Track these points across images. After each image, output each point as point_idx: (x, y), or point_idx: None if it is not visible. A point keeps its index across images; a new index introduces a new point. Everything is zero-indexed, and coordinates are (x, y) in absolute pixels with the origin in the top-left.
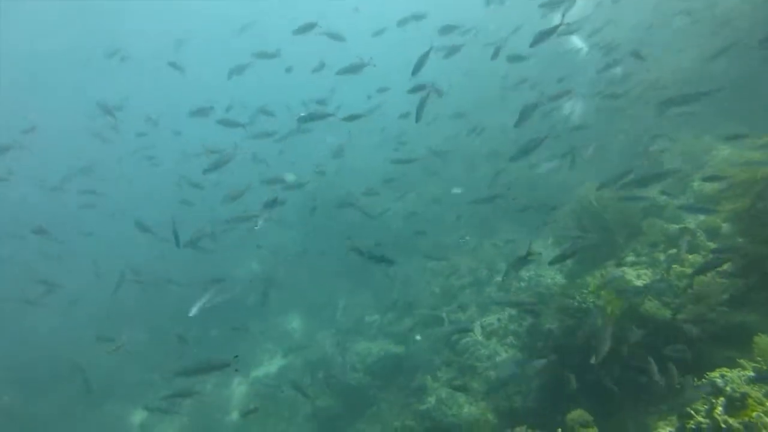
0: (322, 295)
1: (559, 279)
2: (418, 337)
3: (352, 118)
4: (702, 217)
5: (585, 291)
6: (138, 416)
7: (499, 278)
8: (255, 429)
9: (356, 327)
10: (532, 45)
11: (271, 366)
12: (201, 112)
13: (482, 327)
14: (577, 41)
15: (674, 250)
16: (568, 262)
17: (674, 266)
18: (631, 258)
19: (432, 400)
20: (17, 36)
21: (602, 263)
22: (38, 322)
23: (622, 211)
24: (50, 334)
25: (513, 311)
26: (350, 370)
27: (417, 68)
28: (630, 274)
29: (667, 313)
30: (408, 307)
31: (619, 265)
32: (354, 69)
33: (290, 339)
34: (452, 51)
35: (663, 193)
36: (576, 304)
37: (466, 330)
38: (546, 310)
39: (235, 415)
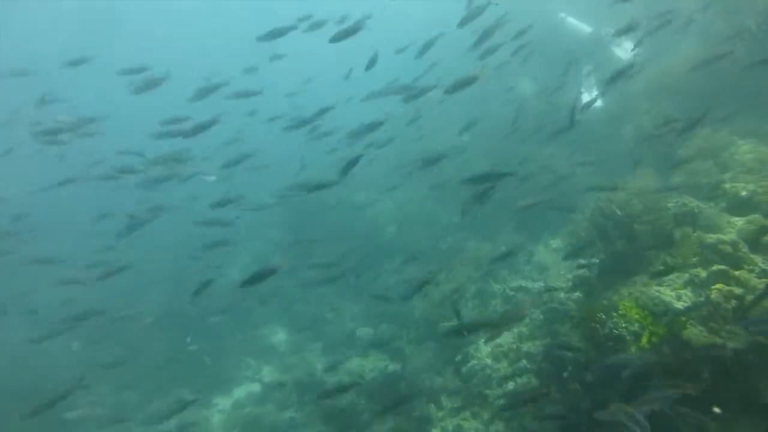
0: (308, 305)
1: (575, 294)
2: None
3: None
4: (741, 225)
5: (614, 314)
6: None
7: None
8: None
9: (347, 340)
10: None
11: (253, 386)
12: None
13: (491, 347)
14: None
15: (719, 266)
16: (587, 274)
17: (719, 285)
18: (665, 274)
19: None
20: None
21: (628, 279)
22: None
23: (652, 219)
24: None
25: (524, 329)
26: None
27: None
28: (667, 293)
29: (717, 342)
30: (403, 319)
31: (652, 281)
32: None
33: (275, 354)
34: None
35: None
36: (606, 330)
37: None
38: (560, 329)
39: None
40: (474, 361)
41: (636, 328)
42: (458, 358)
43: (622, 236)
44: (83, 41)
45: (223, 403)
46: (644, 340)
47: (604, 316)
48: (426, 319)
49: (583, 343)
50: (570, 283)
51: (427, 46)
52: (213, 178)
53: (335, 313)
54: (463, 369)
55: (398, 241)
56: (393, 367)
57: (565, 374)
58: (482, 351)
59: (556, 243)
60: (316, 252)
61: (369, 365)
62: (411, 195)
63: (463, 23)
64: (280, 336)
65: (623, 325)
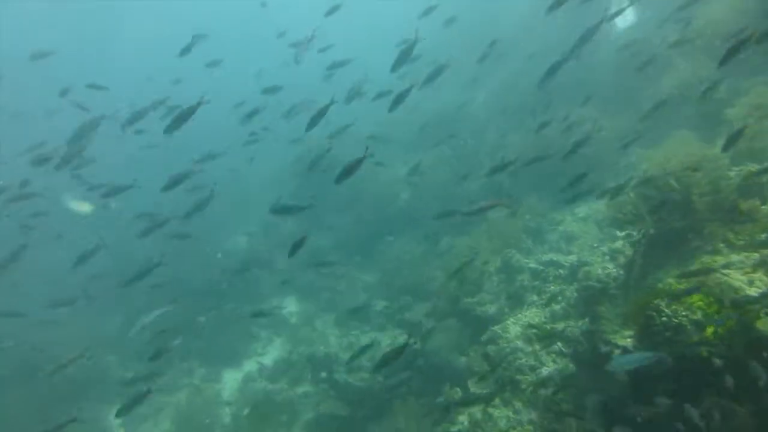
0: (320, 275)
1: (614, 271)
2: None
3: None
4: None
5: (670, 300)
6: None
7: (532, 263)
8: None
9: (361, 313)
10: None
11: (265, 358)
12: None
13: (521, 327)
14: None
15: None
16: (631, 253)
17: None
18: (729, 253)
19: (464, 420)
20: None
21: (683, 258)
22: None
23: (711, 190)
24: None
25: (557, 307)
26: (357, 369)
27: None
28: (736, 278)
29: None
30: (421, 293)
31: (715, 263)
32: None
33: (286, 326)
34: None
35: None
36: (663, 319)
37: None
38: (599, 310)
39: (226, 418)
40: (503, 343)
41: (699, 317)
42: (484, 337)
43: (675, 209)
44: None
45: (234, 377)
46: (709, 331)
47: (661, 303)
48: (446, 293)
49: (634, 331)
50: (607, 258)
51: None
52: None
53: (348, 284)
54: (491, 351)
55: (411, 209)
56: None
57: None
58: (511, 331)
59: (582, 212)
60: (327, 219)
61: (386, 340)
62: (425, 160)
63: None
64: (290, 307)
65: (683, 314)
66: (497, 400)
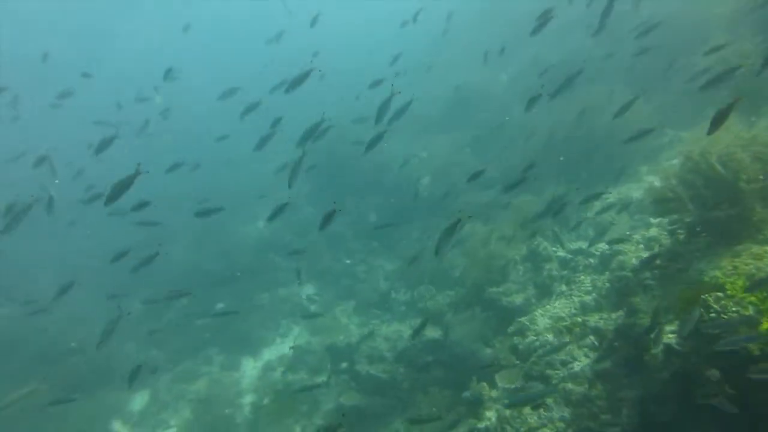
0: (339, 262)
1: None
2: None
3: None
4: None
5: (719, 294)
6: (138, 403)
7: (560, 250)
8: (269, 427)
9: (381, 301)
10: None
11: (284, 346)
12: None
13: (550, 319)
14: None
15: None
16: (669, 242)
17: None
18: None
19: (492, 416)
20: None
21: (730, 247)
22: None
23: (763, 175)
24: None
25: (588, 298)
26: (377, 360)
27: None
28: None
29: None
30: (443, 281)
31: (766, 254)
32: None
33: (304, 312)
34: None
35: None
36: (712, 315)
37: None
38: (635, 302)
39: (246, 407)
40: (532, 336)
41: (751, 312)
42: (511, 329)
43: (722, 197)
44: None
45: (253, 366)
46: (764, 326)
47: (709, 298)
48: (469, 281)
49: (677, 327)
50: (642, 247)
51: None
52: None
53: (367, 271)
54: (519, 344)
55: (432, 194)
56: (433, 333)
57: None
58: (539, 323)
59: (611, 197)
60: (346, 204)
61: (407, 331)
62: (446, 144)
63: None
64: (308, 293)
65: (733, 309)
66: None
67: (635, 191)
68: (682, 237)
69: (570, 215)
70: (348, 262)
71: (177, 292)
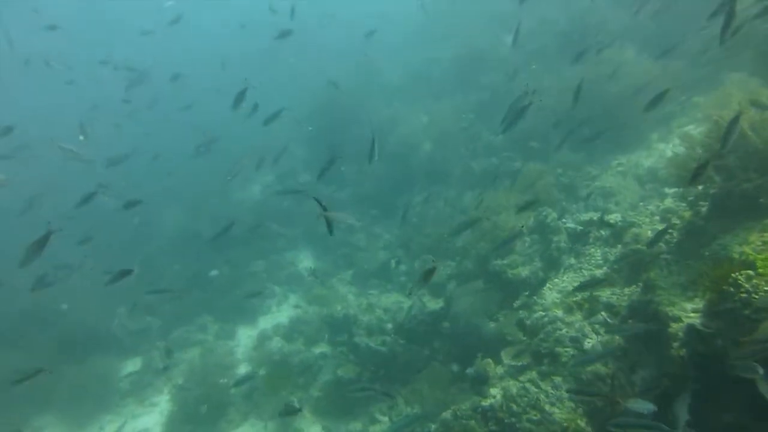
0: (338, 228)
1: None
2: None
3: None
4: None
5: (750, 272)
6: (130, 369)
7: (570, 223)
8: (263, 398)
9: (381, 271)
10: None
11: (280, 315)
12: None
13: (560, 294)
14: None
15: None
16: (689, 214)
17: None
18: None
19: (497, 394)
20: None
21: (759, 222)
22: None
23: None
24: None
25: (599, 272)
26: (377, 331)
27: None
28: None
29: None
30: (445, 251)
31: None
32: None
33: (301, 282)
34: None
35: None
36: (742, 294)
37: None
38: (651, 277)
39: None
40: (540, 312)
41: None
42: (517, 303)
43: (752, 166)
44: None
45: (248, 334)
46: None
47: (740, 277)
48: (472, 252)
49: (703, 306)
50: (657, 219)
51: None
52: None
53: (367, 239)
54: (527, 320)
55: (434, 162)
56: (435, 306)
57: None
58: (547, 298)
59: (622, 165)
60: (346, 171)
61: (407, 302)
62: (449, 109)
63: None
64: (306, 262)
65: (766, 289)
66: (534, 374)
67: (645, 159)
68: (704, 210)
69: (578, 185)
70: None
71: (164, 290)
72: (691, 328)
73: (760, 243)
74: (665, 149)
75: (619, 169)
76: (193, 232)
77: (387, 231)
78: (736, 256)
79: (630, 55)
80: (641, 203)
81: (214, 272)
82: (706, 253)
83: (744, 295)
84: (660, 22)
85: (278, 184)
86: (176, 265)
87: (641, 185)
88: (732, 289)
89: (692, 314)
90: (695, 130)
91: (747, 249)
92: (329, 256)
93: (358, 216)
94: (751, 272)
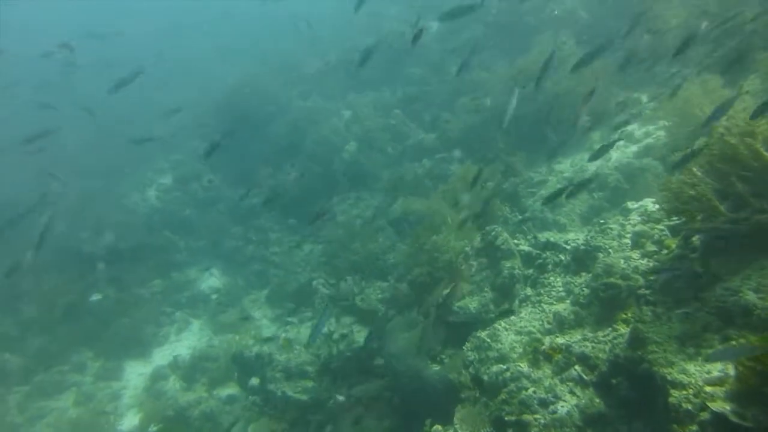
0: (248, 241)
1: (644, 264)
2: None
3: None
4: None
5: None
6: None
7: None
8: None
9: (300, 293)
10: None
11: (180, 346)
12: None
13: (518, 336)
14: None
15: None
16: (675, 245)
17: None
18: None
19: None
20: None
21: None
22: None
23: None
24: None
25: (561, 307)
26: (296, 375)
27: None
28: None
29: None
30: (375, 271)
31: None
32: None
33: (206, 305)
34: None
35: None
36: None
37: None
38: (628, 317)
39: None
40: (499, 365)
41: None
42: (467, 346)
43: (755, 190)
44: None
45: (139, 372)
46: None
47: None
48: (409, 277)
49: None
50: (627, 243)
51: None
52: None
53: (284, 253)
54: (484, 375)
55: (359, 164)
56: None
57: None
58: (504, 341)
59: (565, 169)
60: (259, 173)
61: (334, 331)
62: (373, 103)
63: None
64: (212, 280)
65: None
66: None
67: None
68: (698, 242)
69: (522, 193)
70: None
71: None
72: (720, 419)
73: None
74: (610, 152)
75: (565, 174)
76: (72, 245)
77: (307, 242)
78: (759, 312)
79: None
80: (596, 219)
81: (96, 296)
82: (711, 300)
83: None
84: (593, 11)
85: (177, 188)
86: (47, 285)
87: (589, 193)
88: None
89: (705, 386)
90: (638, 130)
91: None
92: (240, 273)
93: (275, 226)
94: None
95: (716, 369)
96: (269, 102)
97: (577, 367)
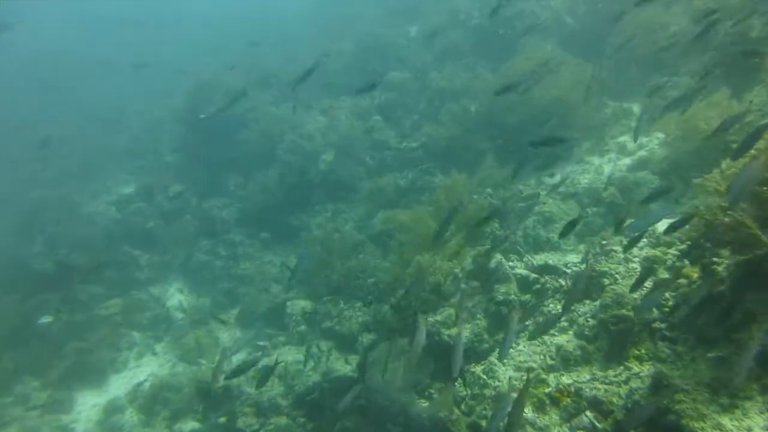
0: (216, 256)
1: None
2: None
3: None
4: None
5: None
6: None
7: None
8: None
9: (273, 314)
10: None
11: (139, 372)
12: None
13: (517, 373)
14: None
15: None
16: (696, 276)
17: None
18: None
19: None
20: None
21: None
22: None
23: None
24: None
25: (563, 339)
26: (269, 408)
27: None
28: None
29: None
30: (355, 291)
31: None
32: None
33: (170, 326)
34: None
35: None
36: None
37: None
38: (641, 353)
39: None
40: (490, 394)
41: None
42: (459, 381)
43: None
44: None
45: (93, 403)
46: None
47: None
48: (393, 301)
49: None
50: (636, 269)
51: None
52: None
53: (254, 271)
54: (482, 421)
55: (335, 173)
56: (345, 368)
57: None
58: (501, 377)
59: (557, 184)
60: (228, 182)
61: (308, 361)
62: (351, 109)
63: None
64: (176, 298)
65: None
66: None
67: (581, 175)
68: (725, 272)
69: (513, 208)
70: None
71: None
72: None
73: None
74: (601, 164)
75: (559, 189)
76: (19, 260)
77: (280, 258)
78: None
79: (559, 54)
80: (592, 237)
81: (45, 318)
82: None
83: None
84: (579, 17)
85: (142, 197)
86: None
87: (582, 209)
88: None
89: None
90: (631, 142)
91: None
92: (207, 292)
93: (246, 240)
94: None
95: (758, 425)
96: (240, 106)
97: (588, 413)
